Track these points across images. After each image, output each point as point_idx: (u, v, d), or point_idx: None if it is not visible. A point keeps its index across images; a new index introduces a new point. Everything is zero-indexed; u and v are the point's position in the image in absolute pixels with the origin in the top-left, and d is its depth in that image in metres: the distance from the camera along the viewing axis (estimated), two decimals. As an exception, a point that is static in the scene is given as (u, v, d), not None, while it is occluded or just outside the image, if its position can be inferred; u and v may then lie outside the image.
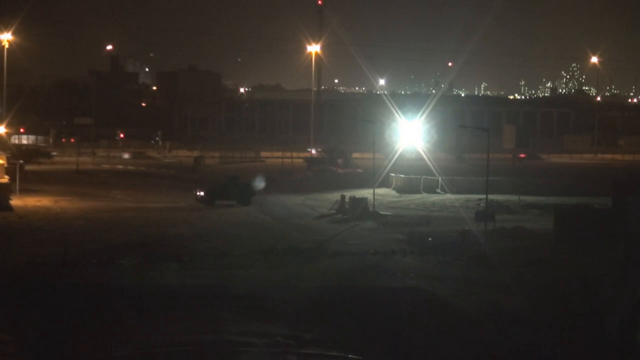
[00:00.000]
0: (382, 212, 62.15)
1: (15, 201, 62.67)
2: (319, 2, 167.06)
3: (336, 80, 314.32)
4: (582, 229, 47.85)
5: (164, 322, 30.64)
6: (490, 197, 58.55)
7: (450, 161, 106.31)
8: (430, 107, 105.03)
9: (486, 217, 52.96)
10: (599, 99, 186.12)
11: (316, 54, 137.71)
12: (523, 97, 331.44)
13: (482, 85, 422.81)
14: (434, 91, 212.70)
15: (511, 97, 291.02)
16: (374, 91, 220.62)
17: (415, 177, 78.98)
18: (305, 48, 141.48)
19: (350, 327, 30.54)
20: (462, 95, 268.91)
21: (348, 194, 65.75)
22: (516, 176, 79.53)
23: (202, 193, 66.52)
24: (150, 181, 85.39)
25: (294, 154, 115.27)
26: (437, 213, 64.07)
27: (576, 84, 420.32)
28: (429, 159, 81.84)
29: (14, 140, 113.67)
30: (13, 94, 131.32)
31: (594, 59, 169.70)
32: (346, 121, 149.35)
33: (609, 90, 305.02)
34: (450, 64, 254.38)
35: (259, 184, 70.91)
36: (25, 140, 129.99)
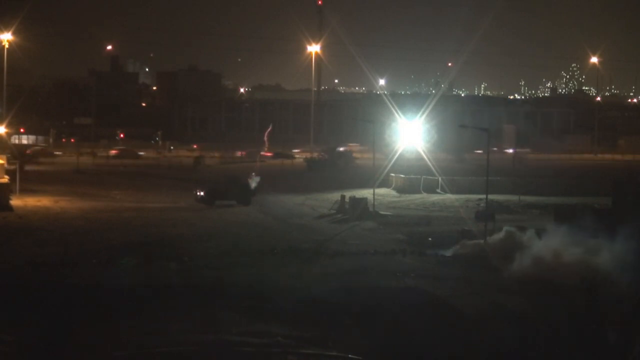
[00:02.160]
0: (382, 212, 62.15)
1: (15, 201, 62.65)
2: (319, 2, 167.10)
3: (336, 80, 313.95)
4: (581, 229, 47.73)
5: (164, 322, 30.64)
6: (490, 197, 58.51)
7: (450, 161, 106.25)
8: (430, 107, 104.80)
9: (486, 217, 52.92)
10: (599, 99, 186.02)
11: (316, 54, 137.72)
12: (523, 97, 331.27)
13: (482, 85, 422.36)
14: (434, 91, 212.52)
15: (511, 97, 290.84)
16: (374, 91, 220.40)
17: (415, 177, 78.96)
18: (305, 48, 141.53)
19: (350, 327, 30.53)
20: (462, 95, 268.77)
21: (348, 194, 65.75)
22: (516, 176, 79.50)
23: (202, 193, 66.49)
24: (150, 181, 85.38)
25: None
26: (437, 213, 64.09)
27: (576, 84, 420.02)
28: (429, 159, 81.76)
29: (14, 140, 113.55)
30: (13, 94, 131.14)
31: (594, 59, 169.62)
32: (346, 121, 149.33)
33: (609, 90, 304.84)
34: (450, 64, 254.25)
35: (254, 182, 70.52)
36: (25, 140, 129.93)
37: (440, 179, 77.91)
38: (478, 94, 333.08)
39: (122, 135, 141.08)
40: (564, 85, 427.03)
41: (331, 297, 34.91)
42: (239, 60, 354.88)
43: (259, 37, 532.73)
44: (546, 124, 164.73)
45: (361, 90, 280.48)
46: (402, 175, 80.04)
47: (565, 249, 39.96)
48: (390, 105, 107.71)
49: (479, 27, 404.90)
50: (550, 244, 40.97)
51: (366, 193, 67.37)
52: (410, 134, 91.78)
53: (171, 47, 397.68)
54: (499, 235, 46.24)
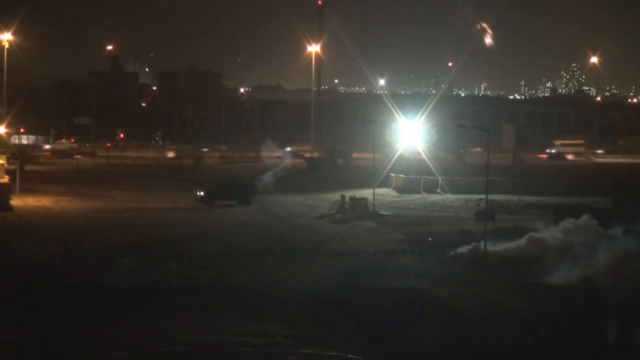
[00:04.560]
0: (382, 212, 62.13)
1: (15, 201, 62.67)
2: (319, 2, 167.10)
3: (336, 80, 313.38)
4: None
5: (163, 322, 30.64)
6: (490, 197, 58.49)
7: (450, 161, 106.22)
8: (430, 107, 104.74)
9: (486, 217, 52.93)
10: (599, 99, 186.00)
11: (316, 54, 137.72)
12: (523, 97, 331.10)
13: (482, 85, 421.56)
14: (434, 91, 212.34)
15: (511, 97, 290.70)
16: (374, 91, 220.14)
17: (415, 177, 78.91)
18: (305, 48, 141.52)
19: (350, 327, 30.53)
20: (462, 95, 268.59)
21: (348, 194, 65.73)
22: (516, 176, 79.47)
23: (202, 193, 66.48)
24: (150, 181, 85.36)
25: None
26: (437, 213, 64.07)
27: (576, 84, 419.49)
28: (429, 158, 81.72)
29: (14, 140, 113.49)
30: (13, 94, 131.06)
31: (594, 59, 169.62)
32: (346, 121, 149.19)
33: (609, 90, 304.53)
34: (450, 64, 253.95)
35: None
36: (25, 140, 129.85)
37: (440, 179, 77.86)
38: (478, 94, 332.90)
39: (122, 135, 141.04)
40: (564, 85, 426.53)
41: (331, 297, 34.92)
42: (239, 60, 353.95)
43: (259, 37, 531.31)
44: (546, 124, 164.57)
45: (361, 90, 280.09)
46: (402, 175, 80.00)
47: None
48: (390, 105, 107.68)
49: (479, 27, 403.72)
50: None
51: (366, 193, 67.35)
52: (410, 134, 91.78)
53: (171, 47, 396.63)
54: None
